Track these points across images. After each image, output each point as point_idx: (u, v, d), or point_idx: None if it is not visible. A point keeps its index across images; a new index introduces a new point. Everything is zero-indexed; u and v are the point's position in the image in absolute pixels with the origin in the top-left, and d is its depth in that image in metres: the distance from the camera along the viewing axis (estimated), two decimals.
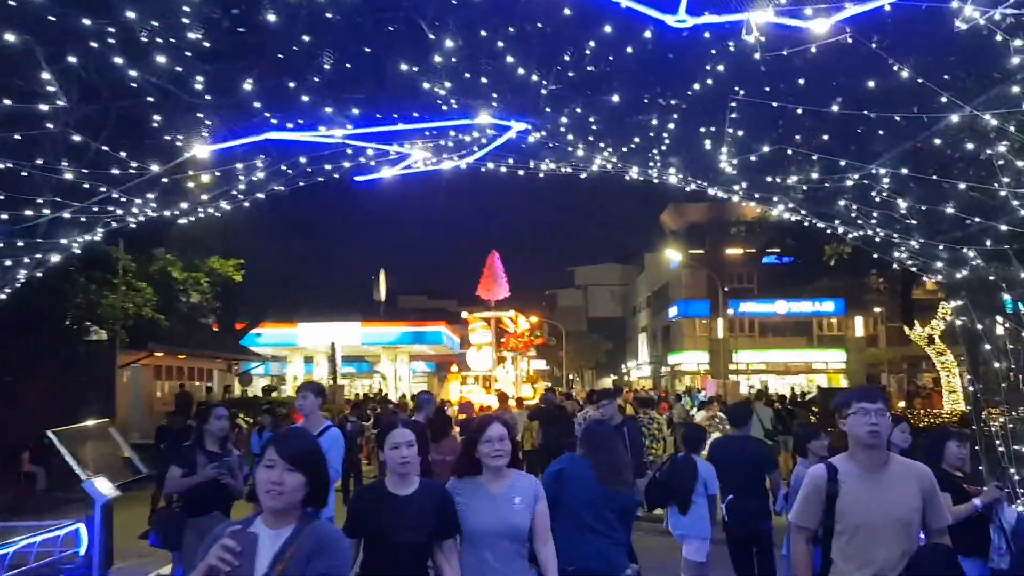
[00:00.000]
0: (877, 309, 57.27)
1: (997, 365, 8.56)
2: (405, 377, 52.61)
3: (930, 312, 35.40)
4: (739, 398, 31.82)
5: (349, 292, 59.28)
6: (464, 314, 33.20)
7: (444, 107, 6.71)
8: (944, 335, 35.00)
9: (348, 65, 5.75)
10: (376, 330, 47.58)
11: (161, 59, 5.46)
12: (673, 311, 64.73)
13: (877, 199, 7.21)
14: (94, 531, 8.57)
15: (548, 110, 6.50)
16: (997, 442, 9.03)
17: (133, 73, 5.55)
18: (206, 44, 5.42)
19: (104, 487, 8.90)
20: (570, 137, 7.17)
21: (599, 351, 77.35)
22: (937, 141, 5.82)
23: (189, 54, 5.45)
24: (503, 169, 8.70)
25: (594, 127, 6.82)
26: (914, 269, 8.88)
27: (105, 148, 6.32)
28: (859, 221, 8.02)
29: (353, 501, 4.60)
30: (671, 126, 6.45)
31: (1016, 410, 8.53)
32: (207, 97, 6.06)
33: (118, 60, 5.38)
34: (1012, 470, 8.78)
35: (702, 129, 6.45)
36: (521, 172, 8.75)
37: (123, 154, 6.60)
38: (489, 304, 29.93)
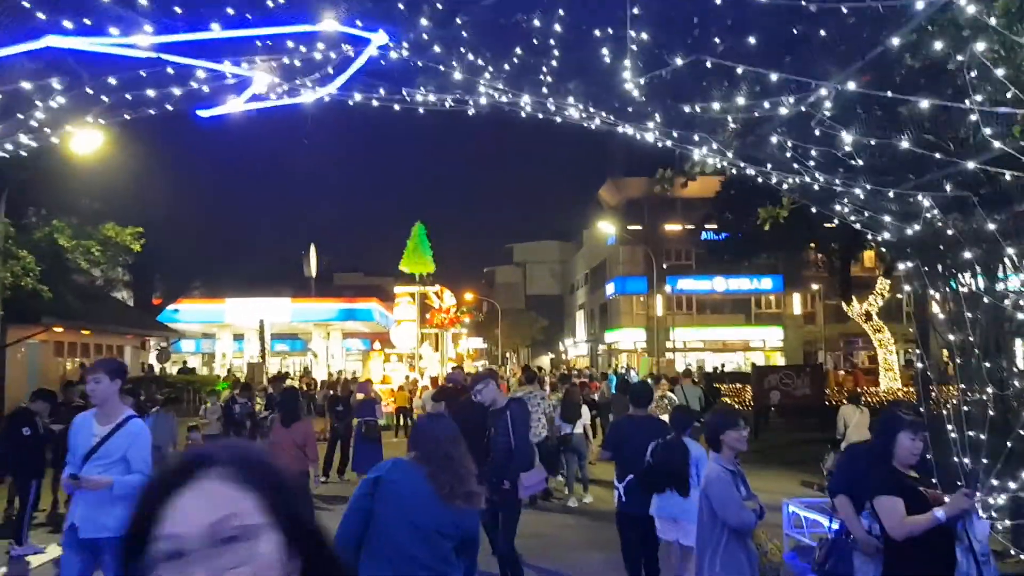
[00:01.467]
0: (815, 286, 56.98)
1: (951, 338, 7.35)
2: (338, 355, 50.98)
3: (868, 289, 34.94)
4: (675, 376, 30.87)
5: (279, 267, 57.34)
6: (399, 287, 31.56)
7: (269, 2, 5.18)
8: (881, 312, 34.61)
9: None
10: (307, 307, 46.02)
11: None
12: (610, 288, 63.80)
13: (817, 132, 5.87)
14: None
15: (401, 6, 5.02)
16: (949, 427, 7.85)
17: None
18: None
19: None
20: (437, 50, 5.70)
21: (535, 328, 76.28)
22: (895, 41, 4.47)
23: None
24: (375, 103, 7.18)
25: (464, 35, 5.37)
26: (857, 226, 7.59)
27: None
28: (795, 165, 6.68)
29: None
30: (558, 29, 5.02)
31: (972, 390, 7.35)
32: None
33: None
34: (966, 460, 7.61)
35: (597, 32, 5.03)
36: (397, 108, 7.24)
37: None
38: (414, 279, 28.35)
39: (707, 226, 49.18)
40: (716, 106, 5.82)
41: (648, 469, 7.25)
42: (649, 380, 27.93)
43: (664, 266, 49.40)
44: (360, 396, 14.16)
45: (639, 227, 59.16)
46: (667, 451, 7.16)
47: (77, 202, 28.14)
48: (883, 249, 35.27)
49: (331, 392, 21.52)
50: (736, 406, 28.03)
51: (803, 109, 5.63)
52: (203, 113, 7.41)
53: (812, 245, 38.84)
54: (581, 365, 60.34)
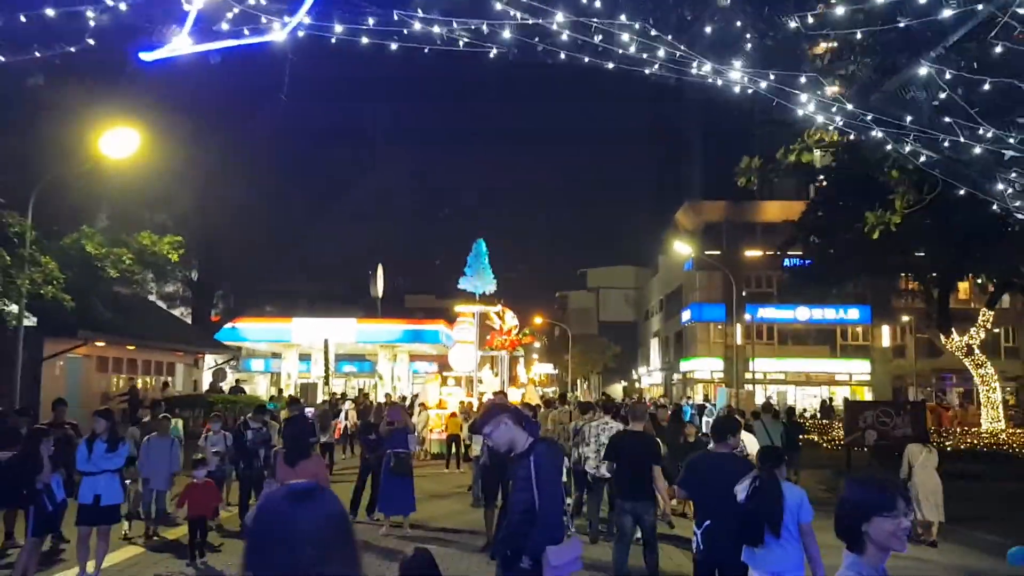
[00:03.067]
0: (905, 318, 53.58)
1: None
2: (405, 377, 49.80)
3: (963, 322, 31.99)
4: (755, 409, 28.55)
5: (351, 288, 56.97)
6: (459, 307, 29.59)
7: None
8: (984, 345, 31.54)
9: None
10: (372, 327, 44.95)
11: None
12: (686, 315, 61.12)
13: (998, 49, 3.83)
14: None
15: None
16: None
17: None
18: None
19: None
20: None
21: (607, 355, 73.70)
22: None
23: None
24: (363, 40, 5.40)
25: None
26: (1022, 215, 5.43)
27: None
28: (946, 118, 4.62)
29: None
30: None
31: None
32: None
33: None
34: None
35: None
36: (395, 46, 5.44)
37: None
38: (475, 297, 26.54)
39: (790, 252, 46.54)
40: (840, 10, 3.85)
41: (744, 516, 6.25)
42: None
43: (743, 293, 46.74)
44: (390, 425, 12.22)
45: (717, 252, 56.56)
46: (760, 494, 6.23)
47: (138, 214, 27.33)
48: (980, 280, 32.16)
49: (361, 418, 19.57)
50: (824, 445, 25.46)
51: (980, 6, 3.62)
52: (146, 56, 5.73)
53: (905, 272, 35.91)
54: (655, 394, 57.77)
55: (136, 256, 19.16)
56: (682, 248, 46.80)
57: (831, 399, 45.78)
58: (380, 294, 53.09)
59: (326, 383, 38.22)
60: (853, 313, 56.65)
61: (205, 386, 33.81)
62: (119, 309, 24.36)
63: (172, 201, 30.12)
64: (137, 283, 20.12)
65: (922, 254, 31.84)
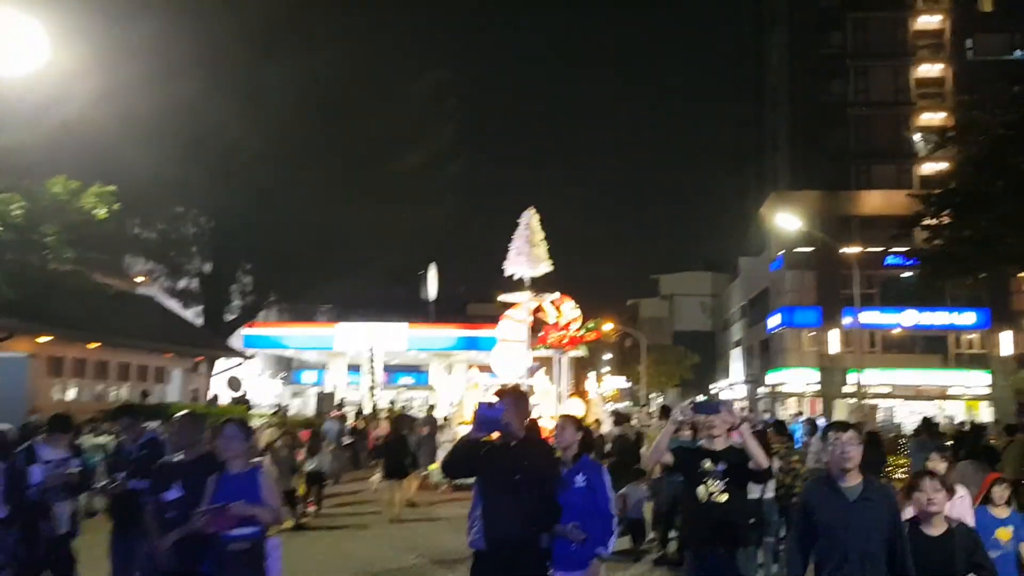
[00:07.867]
0: None
1: None
2: (462, 389, 44.70)
3: None
4: (875, 429, 22.63)
5: (412, 294, 52.62)
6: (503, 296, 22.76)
7: None
8: None
9: None
10: (424, 333, 40.02)
11: None
12: (774, 320, 54.41)
13: None
14: None
15: None
16: None
17: None
18: None
19: None
20: None
21: (684, 366, 67.13)
22: None
23: None
24: None
25: None
26: None
27: None
28: None
29: None
30: None
31: None
32: None
33: None
34: None
35: None
36: None
37: None
38: (522, 284, 20.89)
39: (895, 249, 40.11)
40: None
41: None
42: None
43: (847, 291, 40.62)
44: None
45: (810, 248, 50.01)
46: None
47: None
48: None
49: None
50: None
51: None
52: None
53: None
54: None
55: (49, 212, 13.86)
56: (786, 223, 40.02)
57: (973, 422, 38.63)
58: (433, 297, 48.21)
59: (371, 395, 33.36)
60: (968, 317, 49.45)
61: (214, 395, 28.90)
62: (79, 298, 19.22)
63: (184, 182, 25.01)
64: (51, 251, 14.52)
65: None
